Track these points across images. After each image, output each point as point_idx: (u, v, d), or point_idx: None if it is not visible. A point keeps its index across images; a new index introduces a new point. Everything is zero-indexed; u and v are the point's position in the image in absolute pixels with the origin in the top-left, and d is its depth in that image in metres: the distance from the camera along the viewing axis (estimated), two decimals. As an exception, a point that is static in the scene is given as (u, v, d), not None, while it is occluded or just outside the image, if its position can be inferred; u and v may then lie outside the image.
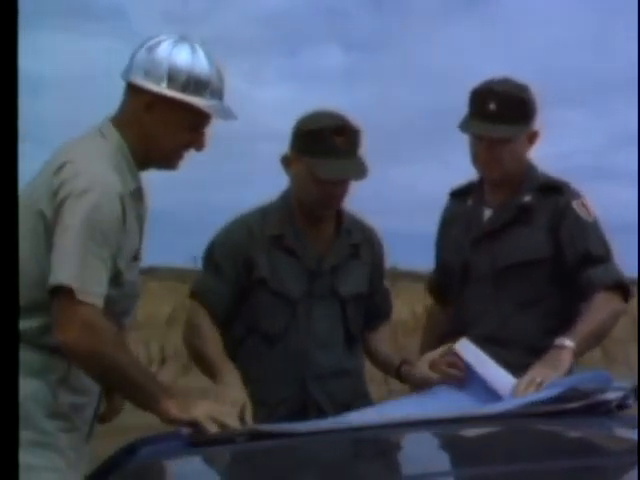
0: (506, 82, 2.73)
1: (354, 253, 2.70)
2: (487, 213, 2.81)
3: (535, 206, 2.74)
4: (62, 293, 2.11)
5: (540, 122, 2.76)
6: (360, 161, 2.58)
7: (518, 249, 2.72)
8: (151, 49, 2.30)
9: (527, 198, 2.75)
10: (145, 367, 2.22)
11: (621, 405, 2.08)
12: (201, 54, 2.31)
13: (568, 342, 2.45)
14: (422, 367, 2.49)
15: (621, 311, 2.63)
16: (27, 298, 2.12)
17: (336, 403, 2.54)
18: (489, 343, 2.68)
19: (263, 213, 2.69)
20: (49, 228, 2.18)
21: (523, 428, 2.03)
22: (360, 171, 2.58)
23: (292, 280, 2.61)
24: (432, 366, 2.49)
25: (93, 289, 2.12)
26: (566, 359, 2.41)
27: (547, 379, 2.31)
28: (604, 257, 2.69)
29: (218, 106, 2.32)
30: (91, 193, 2.14)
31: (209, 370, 2.50)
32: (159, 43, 2.30)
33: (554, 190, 2.76)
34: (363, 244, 2.73)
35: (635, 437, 1.71)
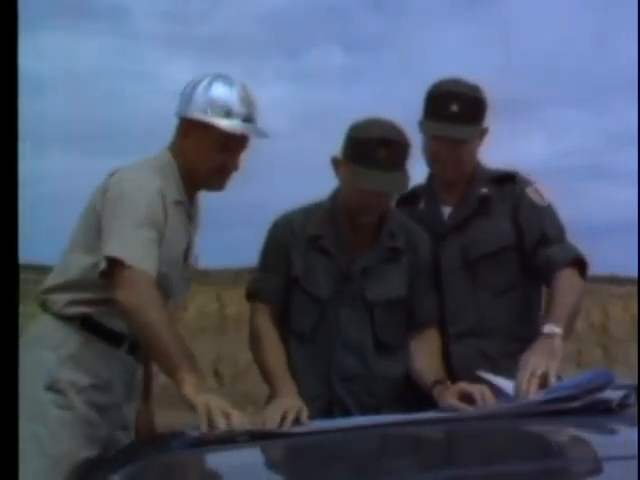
0: (460, 83, 2.76)
1: (392, 257, 2.67)
2: (446, 210, 2.84)
3: (493, 197, 2.80)
4: (118, 264, 2.34)
5: (488, 119, 2.81)
6: (402, 174, 2.57)
7: (486, 239, 2.77)
8: (185, 87, 2.63)
9: (484, 190, 2.81)
10: (181, 340, 2.33)
11: (621, 404, 2.08)
12: (220, 82, 2.59)
13: (557, 329, 2.47)
14: (452, 398, 2.38)
15: (584, 287, 2.68)
16: (68, 278, 2.50)
17: (363, 405, 2.53)
18: (469, 337, 2.72)
19: (307, 212, 2.73)
20: (99, 220, 2.46)
21: (523, 428, 2.04)
22: (400, 185, 2.60)
23: (323, 281, 2.63)
24: (462, 397, 2.37)
25: (144, 259, 2.36)
26: (558, 346, 2.42)
27: (548, 370, 2.33)
28: (559, 238, 2.75)
29: (242, 126, 2.56)
30: (134, 189, 2.46)
31: (266, 380, 2.55)
32: (192, 81, 2.63)
33: (508, 180, 2.82)
34: (406, 248, 2.70)
35: (635, 436, 1.71)
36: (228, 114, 2.54)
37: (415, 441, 2.07)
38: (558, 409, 2.09)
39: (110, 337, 2.49)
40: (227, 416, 2.12)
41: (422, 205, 2.90)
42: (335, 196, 2.72)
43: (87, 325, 2.47)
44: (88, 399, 2.45)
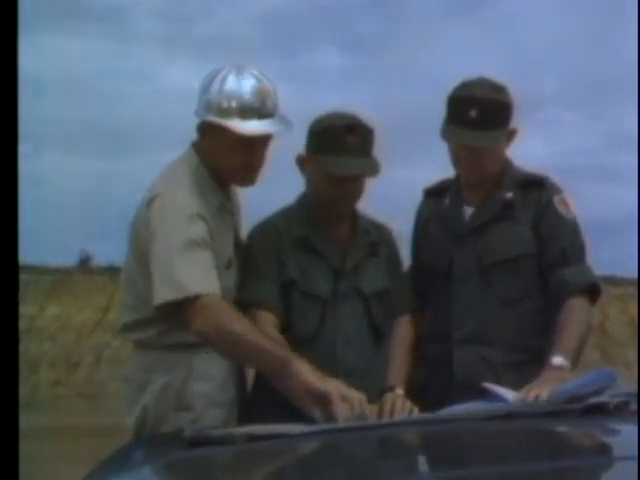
0: (483, 85, 2.69)
1: (373, 251, 2.75)
2: (468, 211, 2.78)
3: (517, 202, 2.73)
4: (183, 301, 2.33)
5: (517, 119, 2.75)
6: (372, 159, 2.63)
7: (504, 245, 2.71)
8: (201, 83, 2.55)
9: (509, 194, 2.74)
10: (271, 338, 2.35)
11: (620, 407, 2.08)
12: (234, 77, 2.51)
13: (566, 362, 2.46)
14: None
15: (592, 315, 2.67)
16: (146, 311, 2.45)
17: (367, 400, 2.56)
18: (472, 343, 2.69)
19: (287, 215, 2.75)
20: (147, 255, 2.42)
21: (523, 429, 2.04)
22: (371, 168, 2.64)
23: (320, 280, 2.66)
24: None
25: (205, 283, 2.35)
26: (565, 380, 2.38)
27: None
28: (578, 257, 2.70)
29: (257, 126, 2.49)
30: (175, 217, 2.41)
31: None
32: (208, 76, 2.54)
33: (535, 185, 2.75)
34: (381, 243, 2.78)
35: (635, 437, 1.71)
36: (243, 113, 2.48)
37: (415, 441, 2.07)
38: (559, 410, 2.09)
39: None
40: (345, 398, 2.15)
41: (447, 201, 2.84)
42: (305, 196, 2.76)
43: (188, 346, 2.49)
44: (213, 402, 2.51)
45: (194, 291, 2.32)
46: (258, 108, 2.50)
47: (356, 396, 2.17)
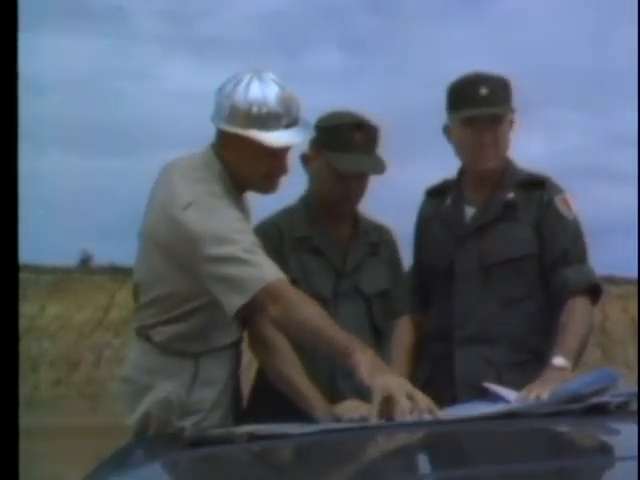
0: (482, 72, 2.72)
1: (374, 252, 2.78)
2: (469, 211, 2.78)
3: (519, 202, 2.73)
4: (253, 299, 2.28)
5: (517, 119, 2.76)
6: (378, 157, 2.66)
7: (505, 246, 2.72)
8: (220, 90, 2.47)
9: (511, 195, 2.74)
10: (339, 328, 2.29)
11: (620, 407, 2.08)
12: (257, 86, 2.42)
13: (568, 363, 2.46)
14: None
15: (594, 315, 2.67)
16: (165, 313, 2.46)
17: (367, 400, 2.56)
18: (474, 342, 2.69)
19: (288, 215, 2.76)
20: (182, 255, 2.36)
21: (524, 429, 2.03)
22: (378, 167, 2.67)
23: (321, 280, 2.68)
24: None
25: (271, 270, 2.30)
26: (566, 380, 2.36)
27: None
28: (580, 257, 2.70)
29: (285, 136, 2.43)
30: (224, 226, 2.33)
31: (293, 393, 2.48)
32: (228, 82, 2.47)
33: (536, 185, 2.75)
34: (381, 244, 2.80)
35: (635, 437, 1.71)
36: (270, 123, 2.41)
37: (416, 442, 2.07)
38: (559, 410, 2.09)
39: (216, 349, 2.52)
40: (411, 397, 2.08)
41: (449, 201, 2.84)
42: (307, 196, 2.77)
43: (194, 353, 2.49)
44: (215, 406, 2.51)
45: (265, 281, 2.27)
46: (284, 116, 2.43)
47: (402, 394, 2.09)
